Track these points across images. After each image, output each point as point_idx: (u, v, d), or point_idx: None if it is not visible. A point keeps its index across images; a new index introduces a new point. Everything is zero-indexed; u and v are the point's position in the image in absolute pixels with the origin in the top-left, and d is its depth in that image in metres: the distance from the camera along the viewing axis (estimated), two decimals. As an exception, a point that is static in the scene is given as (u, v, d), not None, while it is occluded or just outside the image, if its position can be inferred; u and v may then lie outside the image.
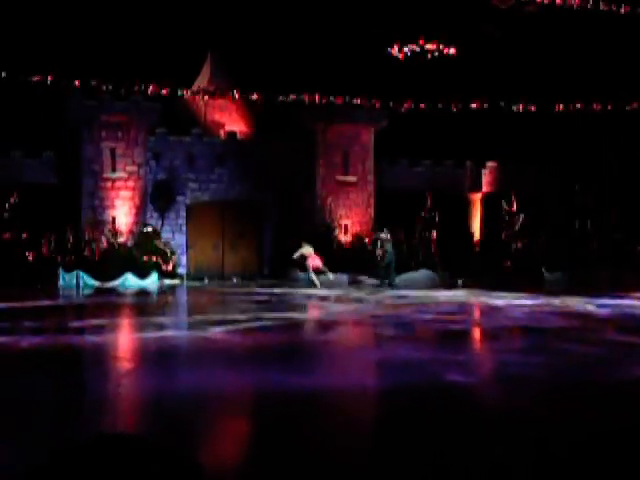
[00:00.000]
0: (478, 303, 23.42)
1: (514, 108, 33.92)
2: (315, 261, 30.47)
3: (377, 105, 33.80)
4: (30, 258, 31.13)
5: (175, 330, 17.10)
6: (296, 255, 30.72)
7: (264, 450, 7.87)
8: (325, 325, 18.70)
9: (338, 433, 8.44)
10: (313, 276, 29.91)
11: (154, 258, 32.31)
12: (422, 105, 32.95)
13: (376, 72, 35.13)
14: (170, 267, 32.62)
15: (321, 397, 10.13)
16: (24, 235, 31.57)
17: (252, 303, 23.12)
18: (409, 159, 38.10)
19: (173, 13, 34.56)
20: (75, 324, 18.36)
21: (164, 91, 33.54)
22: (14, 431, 8.37)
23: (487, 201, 38.30)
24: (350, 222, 35.82)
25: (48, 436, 8.07)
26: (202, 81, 36.49)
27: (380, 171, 36.80)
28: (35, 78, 30.21)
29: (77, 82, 31.14)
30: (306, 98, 33.66)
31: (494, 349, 15.05)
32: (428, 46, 34.07)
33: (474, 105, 33.48)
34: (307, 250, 30.66)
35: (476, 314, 21.36)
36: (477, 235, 38.23)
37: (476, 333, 17.74)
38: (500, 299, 24.03)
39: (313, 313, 22.13)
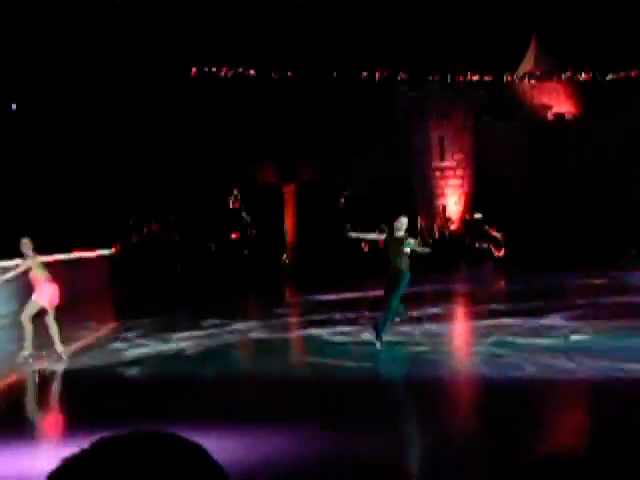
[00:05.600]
0: None
1: None
2: None
3: None
4: (365, 248, 32.28)
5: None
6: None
7: None
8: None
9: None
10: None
11: (485, 245, 32.42)
12: None
13: None
14: (502, 253, 32.56)
15: None
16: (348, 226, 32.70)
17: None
18: None
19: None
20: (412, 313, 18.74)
21: (488, 77, 33.56)
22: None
23: None
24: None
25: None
26: (527, 65, 36.05)
27: None
28: (364, 74, 31.30)
29: (402, 75, 31.89)
30: (634, 74, 32.38)
31: None
32: None
33: None
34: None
35: None
36: None
37: None
38: None
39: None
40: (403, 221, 13.68)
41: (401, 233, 13.56)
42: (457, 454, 7.85)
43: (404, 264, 13.42)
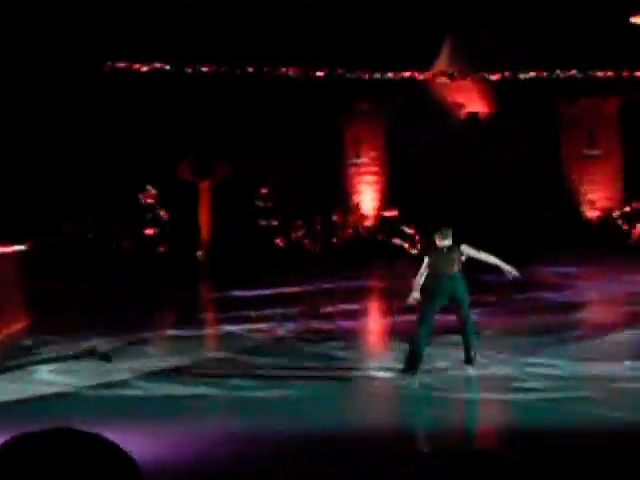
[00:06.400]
0: None
1: None
2: None
3: (624, 76, 32.67)
4: (280, 244, 32.30)
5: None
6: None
7: None
8: None
9: None
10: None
11: (399, 242, 32.72)
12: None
13: (618, 42, 33.85)
14: (416, 250, 32.90)
15: None
16: (275, 222, 32.76)
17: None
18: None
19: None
20: (327, 309, 18.88)
21: (403, 76, 33.86)
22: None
23: None
24: (596, 198, 34.88)
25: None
26: (441, 63, 36.44)
27: (627, 144, 35.45)
28: (282, 70, 31.33)
29: (318, 73, 32.02)
30: (544, 74, 33.03)
31: None
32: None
33: None
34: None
35: None
36: None
37: None
38: None
39: None
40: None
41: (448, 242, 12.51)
42: (369, 449, 7.95)
43: None
